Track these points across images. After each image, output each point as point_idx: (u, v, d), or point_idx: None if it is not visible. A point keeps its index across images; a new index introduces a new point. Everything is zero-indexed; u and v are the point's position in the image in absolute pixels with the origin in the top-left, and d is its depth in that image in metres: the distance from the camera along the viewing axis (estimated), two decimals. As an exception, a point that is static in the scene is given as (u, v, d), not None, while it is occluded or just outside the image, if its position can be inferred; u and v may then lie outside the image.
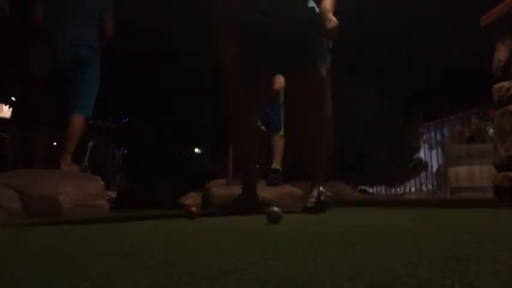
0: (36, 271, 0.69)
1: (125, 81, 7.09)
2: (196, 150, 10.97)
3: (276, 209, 1.62)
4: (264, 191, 3.62)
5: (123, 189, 9.27)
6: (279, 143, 3.93)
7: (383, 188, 9.47)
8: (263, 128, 3.91)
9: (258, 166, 3.99)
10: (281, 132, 3.94)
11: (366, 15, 6.78)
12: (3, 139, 7.59)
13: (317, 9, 2.53)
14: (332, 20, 2.45)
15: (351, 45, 7.07)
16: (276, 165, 3.91)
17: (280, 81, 3.96)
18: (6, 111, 11.45)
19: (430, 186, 9.82)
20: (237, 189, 3.70)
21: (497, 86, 2.86)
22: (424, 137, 9.27)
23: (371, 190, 8.71)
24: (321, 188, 2.42)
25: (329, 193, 2.49)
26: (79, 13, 3.55)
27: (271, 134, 3.90)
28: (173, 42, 6.64)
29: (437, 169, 9.49)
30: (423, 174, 9.26)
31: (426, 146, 9.41)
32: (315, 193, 2.45)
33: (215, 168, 8.40)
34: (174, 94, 7.60)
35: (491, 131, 5.00)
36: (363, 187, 8.03)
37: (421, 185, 9.89)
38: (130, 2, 5.29)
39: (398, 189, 9.56)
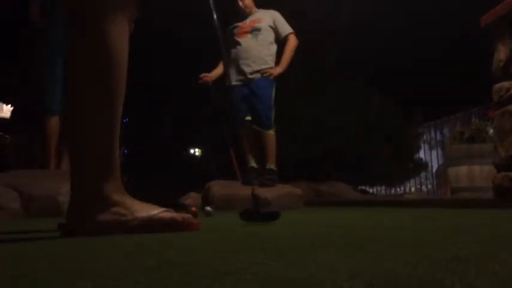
0: (36, 271, 0.69)
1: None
2: (197, 150, 10.98)
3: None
4: (264, 191, 3.61)
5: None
6: (271, 141, 3.91)
7: (383, 188, 9.47)
8: (255, 126, 3.91)
9: (256, 166, 3.99)
10: (272, 130, 3.91)
11: (366, 16, 6.78)
12: (4, 139, 7.60)
13: None
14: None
15: (351, 46, 7.07)
16: (271, 165, 3.90)
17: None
18: (6, 111, 11.46)
19: (430, 186, 9.82)
20: (237, 189, 3.71)
21: (497, 86, 2.86)
22: (424, 137, 9.27)
23: (371, 190, 8.72)
24: None
25: None
26: None
27: (263, 132, 3.88)
28: (174, 42, 6.64)
29: (437, 169, 9.49)
30: (423, 174, 9.26)
31: (426, 146, 9.41)
32: None
33: (215, 168, 8.41)
34: (174, 94, 7.60)
35: (491, 131, 5.00)
36: (363, 187, 8.03)
37: (421, 185, 9.89)
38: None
39: (398, 189, 9.57)
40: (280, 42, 4.08)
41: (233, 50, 4.01)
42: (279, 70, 3.95)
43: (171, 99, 7.76)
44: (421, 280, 0.53)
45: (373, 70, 7.32)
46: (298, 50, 4.13)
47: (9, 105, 7.76)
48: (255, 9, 4.13)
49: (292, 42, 4.04)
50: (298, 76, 4.16)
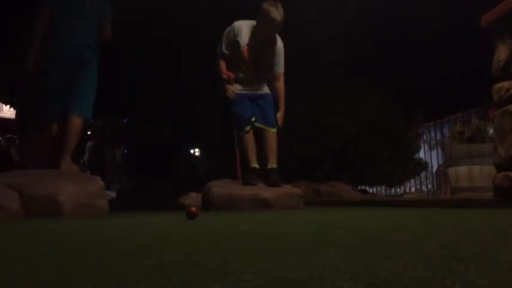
0: (36, 271, 0.69)
1: (125, 81, 7.09)
2: (196, 150, 10.97)
3: None
4: (264, 191, 3.61)
5: (123, 189, 9.27)
6: (273, 140, 3.90)
7: (383, 188, 9.46)
8: (260, 125, 3.90)
9: (257, 166, 3.98)
10: (275, 129, 3.89)
11: (367, 15, 6.78)
12: (12, 141, 7.66)
13: None
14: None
15: (351, 46, 7.07)
16: (274, 164, 3.89)
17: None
18: (6, 111, 11.48)
19: (430, 186, 9.82)
20: (237, 189, 3.71)
21: (497, 86, 2.86)
22: (424, 137, 9.26)
23: (371, 190, 8.71)
24: None
25: None
26: (81, 15, 3.56)
27: (267, 130, 3.86)
28: (173, 42, 6.64)
29: (437, 169, 9.48)
30: (423, 174, 9.25)
31: (426, 146, 9.40)
32: None
33: (215, 168, 8.40)
34: (174, 94, 7.59)
35: (491, 131, 4.99)
36: (363, 187, 8.03)
37: (421, 185, 9.89)
38: (131, 3, 5.29)
39: (398, 189, 9.56)
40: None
41: (237, 61, 3.90)
42: (282, 116, 3.96)
43: (171, 99, 7.75)
44: (421, 280, 0.53)
45: (374, 70, 7.31)
46: (299, 50, 4.10)
47: (9, 106, 7.81)
48: None
49: (282, 85, 3.99)
50: (299, 76, 4.15)
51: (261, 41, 3.76)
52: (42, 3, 3.54)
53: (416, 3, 6.62)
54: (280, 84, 3.98)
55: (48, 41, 3.50)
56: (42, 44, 3.50)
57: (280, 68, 3.95)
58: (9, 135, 7.77)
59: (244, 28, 3.80)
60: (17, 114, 6.23)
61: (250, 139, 3.95)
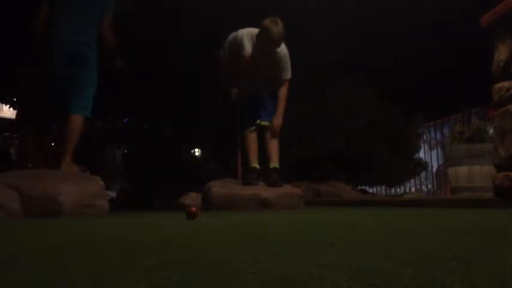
0: (36, 271, 0.69)
1: (125, 81, 7.09)
2: (197, 150, 10.97)
3: None
4: (265, 191, 3.61)
5: (123, 189, 9.27)
6: (278, 139, 3.90)
7: (383, 188, 9.46)
8: (263, 122, 3.89)
9: (259, 166, 3.98)
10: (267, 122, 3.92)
11: (366, 15, 6.78)
12: (11, 139, 7.65)
13: None
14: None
15: (351, 45, 7.08)
16: (276, 163, 3.88)
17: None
18: (6, 111, 11.49)
19: (430, 186, 9.82)
20: (237, 189, 3.71)
21: (497, 86, 2.86)
22: (424, 137, 9.26)
23: (371, 190, 8.71)
24: None
25: None
26: (79, 13, 3.55)
27: (269, 125, 3.87)
28: (174, 42, 6.64)
29: (437, 169, 9.48)
30: (423, 174, 9.25)
31: (426, 146, 9.40)
32: None
33: (216, 168, 8.41)
34: (174, 94, 7.59)
35: (491, 131, 4.99)
36: (363, 187, 8.03)
37: (421, 185, 9.89)
38: (130, 3, 5.29)
39: (398, 189, 9.56)
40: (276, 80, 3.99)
41: (241, 65, 3.88)
42: (279, 123, 3.91)
43: (172, 99, 7.75)
44: (421, 280, 0.53)
45: (374, 70, 7.32)
46: (299, 50, 4.07)
47: (9, 107, 7.81)
48: None
49: (285, 90, 3.96)
50: (299, 76, 4.14)
51: (262, 51, 3.76)
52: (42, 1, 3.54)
53: (416, 3, 6.62)
54: (284, 91, 3.95)
55: (46, 40, 3.49)
56: (44, 34, 3.50)
57: (285, 75, 3.94)
58: (7, 133, 7.75)
59: (246, 39, 3.78)
60: (16, 114, 6.24)
61: (252, 139, 3.95)
